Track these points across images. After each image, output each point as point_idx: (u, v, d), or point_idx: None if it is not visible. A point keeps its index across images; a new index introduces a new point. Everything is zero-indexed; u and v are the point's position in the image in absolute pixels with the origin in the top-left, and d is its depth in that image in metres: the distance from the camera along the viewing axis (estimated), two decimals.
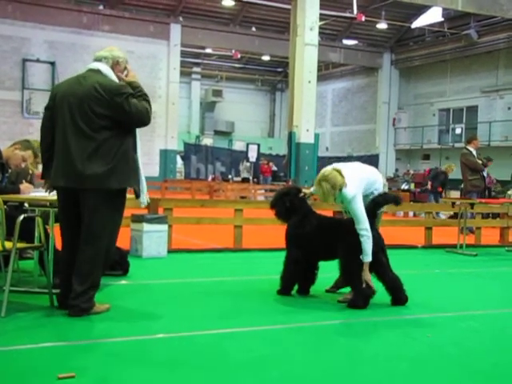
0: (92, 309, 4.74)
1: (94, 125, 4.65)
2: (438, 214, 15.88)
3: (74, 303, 4.66)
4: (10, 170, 6.10)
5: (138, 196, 4.93)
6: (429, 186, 17.69)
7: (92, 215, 4.69)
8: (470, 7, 22.08)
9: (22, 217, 4.78)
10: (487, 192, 12.60)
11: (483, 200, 10.95)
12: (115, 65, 4.92)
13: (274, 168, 29.32)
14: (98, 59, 4.90)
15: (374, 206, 5.55)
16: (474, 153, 12.59)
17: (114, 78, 4.86)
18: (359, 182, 5.51)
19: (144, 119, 4.78)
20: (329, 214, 6.29)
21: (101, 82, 4.71)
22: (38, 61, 25.96)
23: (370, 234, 5.35)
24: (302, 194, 5.93)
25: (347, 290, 5.77)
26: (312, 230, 5.67)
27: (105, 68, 4.84)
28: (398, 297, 5.52)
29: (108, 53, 4.94)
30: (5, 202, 4.88)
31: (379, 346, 4.29)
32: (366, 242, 5.35)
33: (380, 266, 5.46)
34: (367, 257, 5.36)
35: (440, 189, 17.51)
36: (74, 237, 4.78)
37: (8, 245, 4.71)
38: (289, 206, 5.82)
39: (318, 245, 5.67)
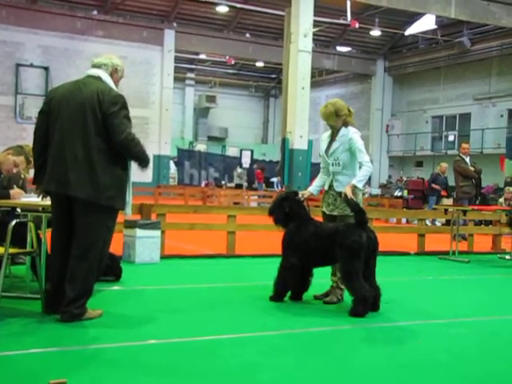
0: (84, 315, 4.73)
1: (91, 132, 4.62)
2: (433, 220, 15.92)
3: (66, 309, 4.65)
4: (1, 175, 6.09)
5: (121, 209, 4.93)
6: (437, 187, 17.30)
7: (85, 222, 4.68)
8: (463, 15, 22.17)
9: (14, 222, 4.77)
10: (482, 199, 12.60)
11: (476, 207, 10.98)
12: (114, 72, 4.92)
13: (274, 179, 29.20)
14: (98, 66, 4.88)
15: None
16: (467, 159, 12.63)
17: (112, 85, 4.85)
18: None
19: (121, 134, 4.63)
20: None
21: (102, 89, 4.70)
22: (31, 66, 25.91)
23: (371, 167, 5.74)
24: (299, 196, 5.93)
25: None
26: (309, 236, 5.67)
27: (104, 75, 4.84)
28: (372, 307, 5.49)
29: (108, 60, 4.92)
30: None
31: (370, 353, 4.29)
32: (366, 170, 5.69)
33: (367, 269, 5.44)
34: (359, 182, 5.66)
35: (444, 192, 17.33)
36: (67, 242, 4.77)
37: (0, 250, 4.70)
38: (288, 211, 5.84)
39: (315, 251, 5.68)
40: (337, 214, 5.88)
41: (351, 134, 5.83)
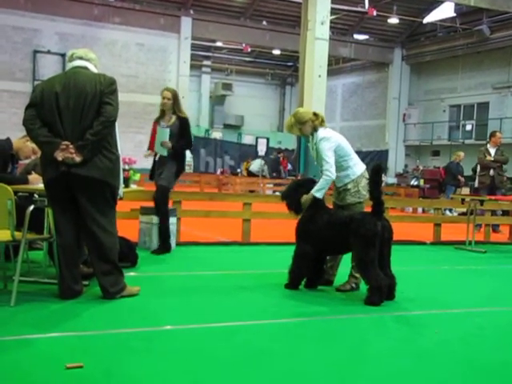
0: (123, 291, 5.03)
1: (94, 118, 4.77)
2: (450, 210, 15.81)
3: (104, 288, 4.97)
4: (19, 161, 6.14)
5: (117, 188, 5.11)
6: (462, 179, 17.22)
7: (95, 200, 4.87)
8: (483, 3, 21.95)
9: (31, 207, 4.81)
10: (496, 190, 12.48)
11: (493, 197, 10.89)
12: (96, 64, 5.17)
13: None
14: (80, 57, 5.05)
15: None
16: (491, 150, 12.52)
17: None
18: (336, 137, 5.88)
19: (111, 116, 4.81)
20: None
21: (98, 74, 4.96)
22: (48, 52, 26.04)
23: (332, 177, 5.72)
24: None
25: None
26: (323, 224, 5.67)
27: (91, 67, 5.05)
28: (388, 296, 5.46)
29: (94, 55, 5.15)
30: (15, 193, 4.91)
31: (385, 342, 4.29)
32: (325, 180, 5.72)
33: (381, 258, 5.42)
34: (318, 192, 5.73)
35: (461, 177, 17.24)
36: (74, 225, 4.96)
37: (18, 235, 4.74)
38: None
39: (329, 239, 5.67)
40: (343, 204, 5.94)
41: (318, 141, 5.84)
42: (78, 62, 5.02)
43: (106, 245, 4.93)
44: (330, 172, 5.72)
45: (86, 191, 4.83)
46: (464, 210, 12.10)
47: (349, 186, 5.86)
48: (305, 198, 5.80)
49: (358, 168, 5.90)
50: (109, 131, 4.83)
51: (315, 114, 5.92)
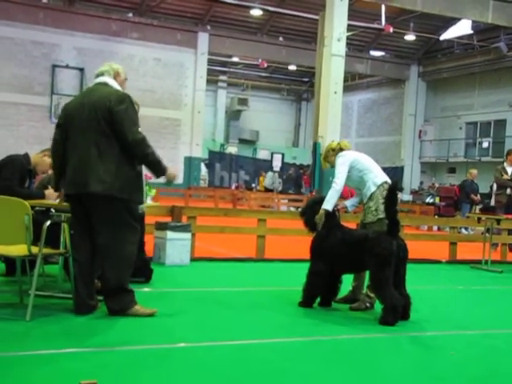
0: (127, 311, 4.93)
1: (104, 133, 4.83)
2: (466, 228, 15.71)
3: (107, 304, 4.95)
4: (36, 176, 6.19)
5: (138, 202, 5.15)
6: (478, 197, 17.09)
7: (104, 217, 4.87)
8: (500, 20, 21.88)
9: (48, 222, 4.85)
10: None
11: (510, 216, 10.80)
12: (116, 76, 5.19)
13: None
14: (101, 74, 5.17)
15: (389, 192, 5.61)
16: (508, 169, 12.46)
17: (119, 88, 5.13)
18: (353, 153, 6.16)
19: (130, 133, 4.85)
20: (352, 225, 6.27)
21: (109, 91, 5.00)
22: (67, 67, 26.31)
23: (339, 188, 5.82)
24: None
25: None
26: (337, 243, 5.66)
27: (110, 80, 5.12)
28: (402, 316, 5.42)
29: (108, 67, 5.22)
30: (32, 208, 4.95)
31: (400, 363, 4.24)
32: (332, 193, 5.82)
33: (396, 278, 5.38)
34: (327, 204, 5.79)
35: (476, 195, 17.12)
36: (90, 242, 4.99)
37: (34, 250, 4.77)
38: None
39: (344, 258, 5.66)
40: (366, 222, 5.96)
41: (337, 158, 6.09)
42: (99, 79, 5.14)
43: (114, 268, 4.92)
44: (335, 183, 5.85)
45: (99, 209, 4.86)
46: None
47: (370, 204, 5.90)
48: (317, 216, 5.81)
49: (379, 179, 5.96)
50: (145, 146, 4.86)
51: (340, 143, 6.26)
